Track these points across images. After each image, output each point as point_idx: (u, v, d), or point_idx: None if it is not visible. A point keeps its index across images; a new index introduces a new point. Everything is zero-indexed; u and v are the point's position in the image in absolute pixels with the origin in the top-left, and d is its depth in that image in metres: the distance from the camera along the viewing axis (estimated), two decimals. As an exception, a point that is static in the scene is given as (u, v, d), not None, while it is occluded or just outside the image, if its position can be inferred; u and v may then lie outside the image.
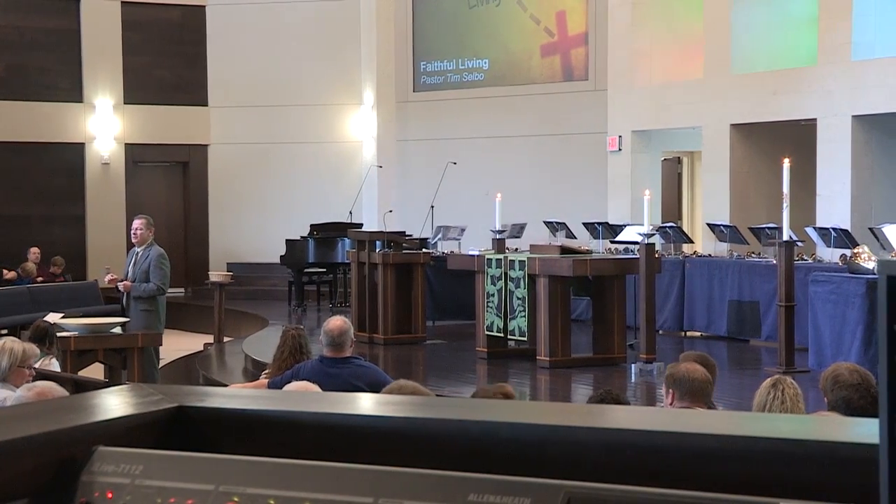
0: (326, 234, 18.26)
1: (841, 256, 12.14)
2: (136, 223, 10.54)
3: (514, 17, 19.70)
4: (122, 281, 10.34)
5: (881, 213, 13.87)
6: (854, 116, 14.21)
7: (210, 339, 15.18)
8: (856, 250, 11.47)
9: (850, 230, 12.77)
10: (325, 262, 18.27)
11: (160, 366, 10.90)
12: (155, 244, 10.38)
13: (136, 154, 20.79)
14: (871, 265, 10.86)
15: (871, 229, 12.30)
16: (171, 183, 21.43)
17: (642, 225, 11.56)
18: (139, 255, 10.39)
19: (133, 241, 10.62)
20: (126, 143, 20.64)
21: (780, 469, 1.37)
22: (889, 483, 1.13)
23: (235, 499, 1.45)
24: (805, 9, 15.47)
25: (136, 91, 20.59)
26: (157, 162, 21.19)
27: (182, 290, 20.46)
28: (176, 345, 14.34)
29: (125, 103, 20.53)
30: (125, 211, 19.47)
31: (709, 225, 15.11)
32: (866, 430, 1.40)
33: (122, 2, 20.47)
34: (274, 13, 20.97)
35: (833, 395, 4.65)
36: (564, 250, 12.19)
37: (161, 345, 10.10)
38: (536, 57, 19.59)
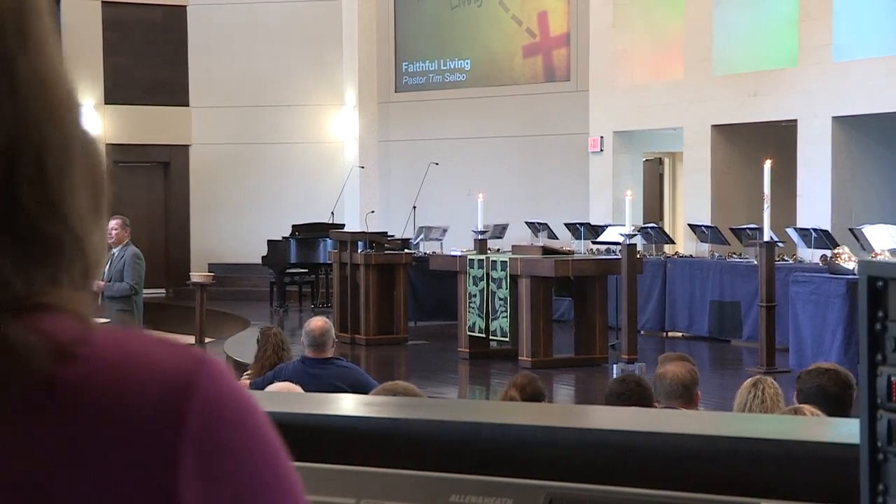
0: (308, 234, 18.23)
1: (821, 257, 12.19)
2: (112, 223, 10.56)
3: (495, 17, 19.71)
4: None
5: (861, 213, 13.93)
6: (834, 118, 14.26)
7: (191, 339, 15.12)
8: (836, 251, 11.53)
9: (830, 231, 12.82)
10: (306, 263, 18.24)
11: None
12: (131, 244, 10.39)
13: (116, 154, 20.67)
14: (851, 266, 10.91)
15: (851, 230, 12.35)
16: (153, 183, 21.36)
17: (624, 225, 11.58)
18: (115, 255, 10.41)
19: (108, 241, 10.62)
20: (107, 144, 20.29)
21: (761, 469, 1.38)
22: (869, 483, 1.13)
23: (216, 500, 1.44)
24: (785, 10, 15.53)
25: (117, 91, 20.52)
26: (138, 162, 21.12)
27: (163, 290, 20.39)
28: (157, 346, 14.27)
29: (106, 103, 20.45)
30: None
31: (690, 226, 15.15)
32: (847, 430, 1.41)
33: (102, 1, 20.39)
34: (255, 13, 20.93)
35: (805, 384, 4.69)
36: (546, 251, 12.21)
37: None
38: (518, 58, 19.60)
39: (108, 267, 10.44)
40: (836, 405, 4.47)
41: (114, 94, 20.50)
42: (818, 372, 4.80)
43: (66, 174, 0.72)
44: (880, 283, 1.13)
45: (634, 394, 4.93)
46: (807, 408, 4.09)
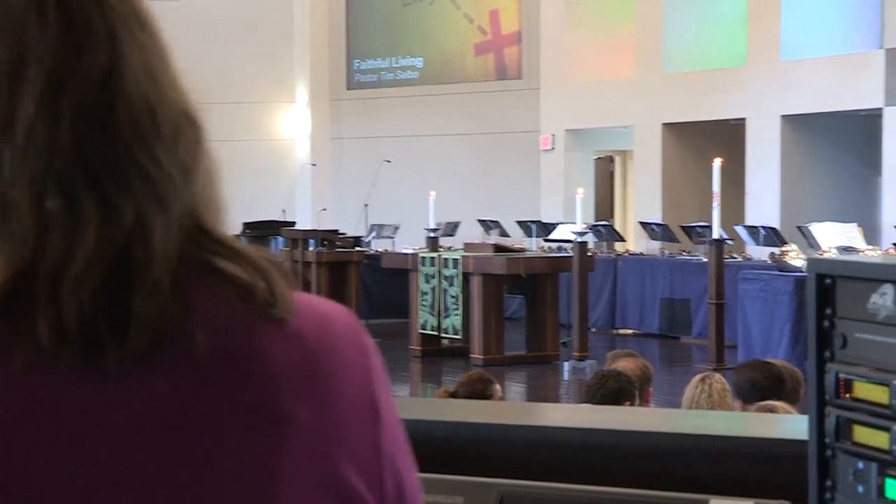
0: (259, 232, 18.11)
1: (770, 254, 12.30)
2: None
3: (447, 15, 19.71)
4: None
5: (809, 211, 14.08)
6: (783, 116, 14.40)
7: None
8: (784, 248, 11.64)
9: (778, 228, 12.94)
10: (257, 261, 18.14)
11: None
12: None
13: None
14: (799, 263, 11.02)
15: (799, 228, 12.48)
16: (101, 180, 21.16)
17: (575, 223, 11.63)
18: None
19: None
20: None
21: (710, 466, 1.38)
22: (818, 479, 1.14)
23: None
24: (735, 10, 15.66)
25: (65, 87, 20.29)
26: (87, 159, 20.91)
27: (112, 288, 20.21)
28: (106, 344, 14.15)
29: (54, 99, 20.23)
30: (54, 209, 19.15)
31: (641, 223, 15.24)
32: (795, 427, 1.42)
33: (50, -4, 20.17)
34: (205, 8, 20.79)
35: (740, 377, 4.76)
36: (498, 248, 12.24)
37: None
38: (470, 55, 19.62)
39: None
40: (766, 398, 4.55)
41: (62, 91, 20.27)
42: (750, 366, 4.89)
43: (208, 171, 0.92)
44: (828, 281, 1.14)
45: (598, 382, 4.81)
46: (781, 405, 4.13)
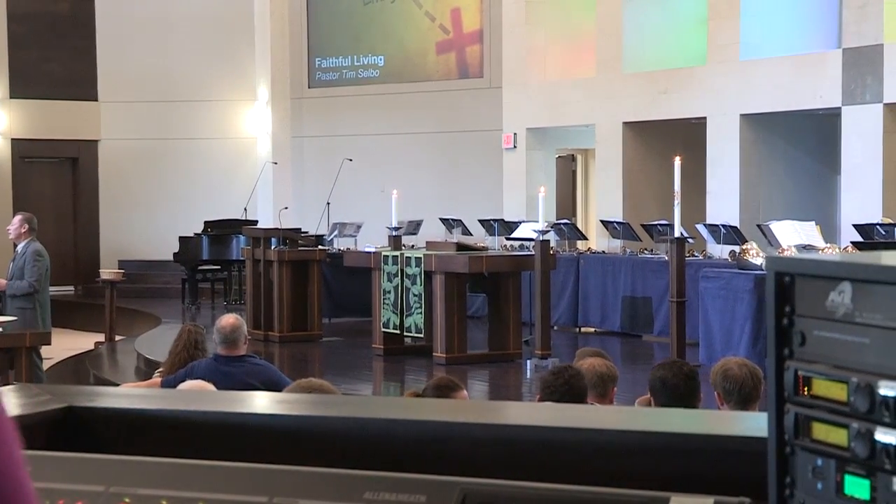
0: (221, 230, 18.06)
1: (730, 253, 12.38)
2: (13, 219, 10.39)
3: (409, 13, 19.70)
4: None
5: (768, 210, 14.19)
6: (742, 115, 14.50)
7: (101, 337, 14.91)
8: (744, 247, 11.72)
9: (738, 227, 13.04)
10: (219, 260, 18.06)
11: (48, 366, 10.67)
12: (34, 241, 10.16)
13: (23, 150, 20.31)
14: (759, 261, 11.10)
15: (758, 226, 12.57)
16: (60, 179, 20.99)
17: (537, 222, 11.65)
18: (18, 252, 10.21)
19: (9, 237, 10.46)
20: (13, 139, 20.15)
21: (672, 463, 1.39)
22: (777, 475, 1.15)
23: (126, 500, 1.42)
24: (695, 9, 15.76)
25: (23, 85, 20.11)
26: (46, 158, 20.73)
27: (72, 288, 20.05)
28: (65, 344, 14.05)
29: (11, 98, 20.04)
30: (12, 208, 19.00)
31: (602, 222, 15.30)
32: (755, 424, 1.43)
33: (8, -7, 19.98)
34: (166, 6, 20.66)
35: (653, 375, 4.82)
36: (460, 247, 12.25)
37: (49, 344, 9.88)
38: (432, 54, 19.61)
39: (11, 264, 10.21)
40: (675, 396, 4.61)
41: (20, 89, 20.09)
42: (662, 365, 4.95)
43: None
44: (787, 279, 1.15)
45: (567, 384, 4.78)
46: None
